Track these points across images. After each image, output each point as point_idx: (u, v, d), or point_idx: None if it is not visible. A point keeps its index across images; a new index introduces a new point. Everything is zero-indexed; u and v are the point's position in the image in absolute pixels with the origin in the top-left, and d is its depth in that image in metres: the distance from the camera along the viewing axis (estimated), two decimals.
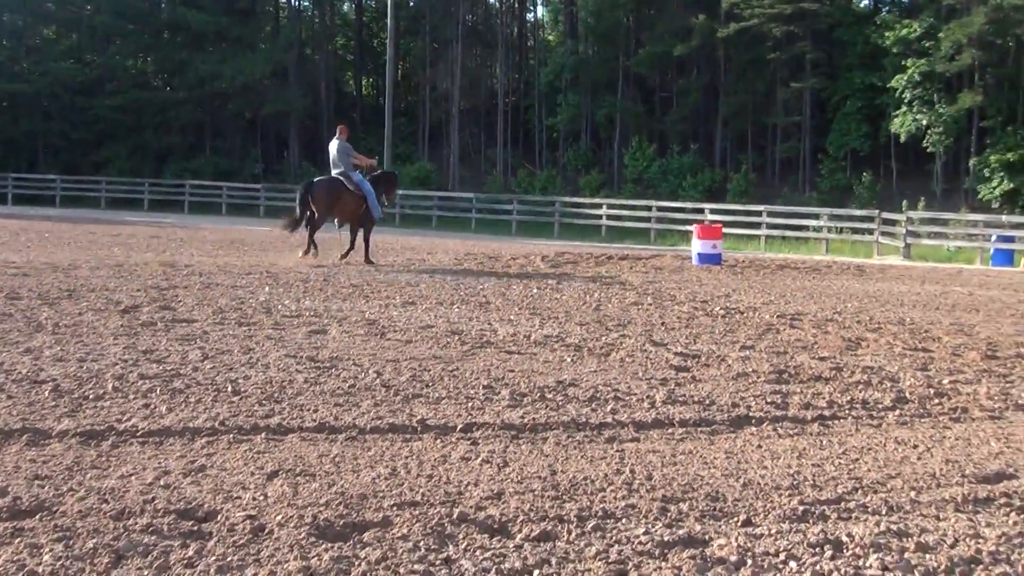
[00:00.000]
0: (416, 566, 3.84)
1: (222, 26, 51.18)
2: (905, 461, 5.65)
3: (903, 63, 37.37)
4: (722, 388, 7.49)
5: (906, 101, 37.65)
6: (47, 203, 43.19)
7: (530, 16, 62.76)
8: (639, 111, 47.90)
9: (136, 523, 4.16)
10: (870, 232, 29.33)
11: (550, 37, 59.94)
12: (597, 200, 37.65)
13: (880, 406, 7.06)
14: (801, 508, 4.67)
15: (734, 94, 44.64)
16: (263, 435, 5.67)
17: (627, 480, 5.06)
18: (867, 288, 16.67)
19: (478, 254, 21.89)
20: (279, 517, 4.28)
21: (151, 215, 38.63)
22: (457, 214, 38.95)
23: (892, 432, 6.36)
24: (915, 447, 5.98)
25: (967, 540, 4.31)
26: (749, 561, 3.99)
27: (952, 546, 4.23)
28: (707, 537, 4.25)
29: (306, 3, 61.27)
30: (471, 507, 4.53)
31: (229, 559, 3.85)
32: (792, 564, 3.98)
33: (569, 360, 8.49)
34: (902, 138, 38.13)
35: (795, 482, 5.14)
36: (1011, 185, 34.77)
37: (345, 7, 62.74)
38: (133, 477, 4.83)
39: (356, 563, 3.85)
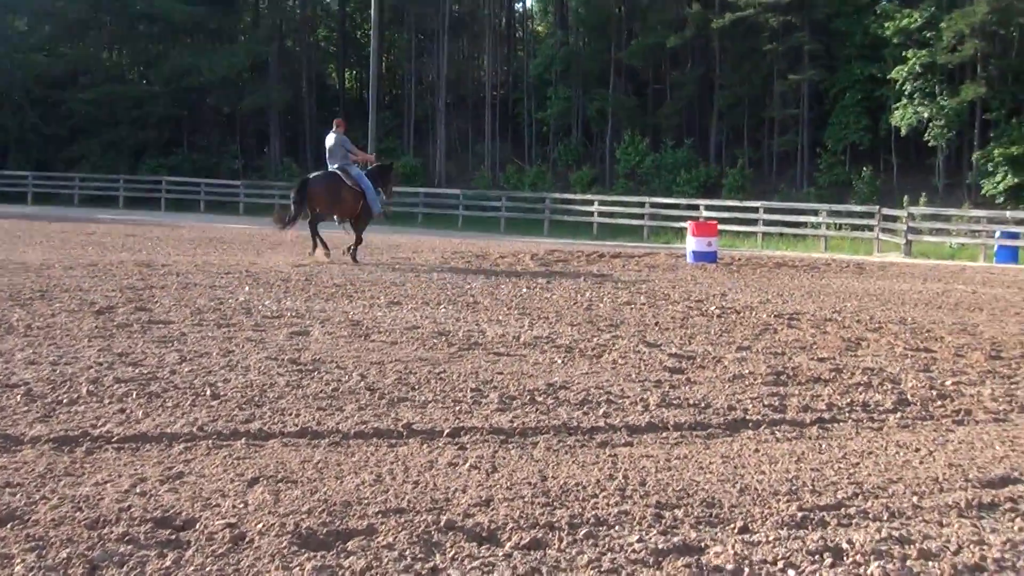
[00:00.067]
0: None
1: (200, 17, 50.98)
2: (907, 465, 5.67)
3: (904, 54, 37.39)
4: (718, 390, 7.50)
5: (907, 93, 37.69)
6: (18, 201, 42.99)
7: (518, 6, 62.65)
8: (631, 104, 47.89)
9: (111, 532, 4.15)
10: (870, 229, 29.41)
11: (539, 28, 59.83)
12: (588, 196, 37.67)
13: (881, 408, 7.08)
14: (800, 514, 4.68)
15: (729, 86, 44.62)
16: (243, 440, 5.66)
17: (620, 486, 5.06)
18: (867, 286, 16.71)
19: (465, 252, 21.90)
20: (260, 525, 4.27)
21: (126, 213, 38.52)
22: (443, 211, 38.93)
23: (893, 435, 6.37)
24: (917, 451, 5.99)
25: (971, 547, 4.32)
26: (746, 569, 3.99)
27: (956, 553, 4.24)
28: (703, 545, 4.25)
29: None
30: (459, 514, 4.53)
31: (208, 569, 3.84)
32: (791, 572, 3.99)
33: (560, 362, 8.49)
34: (903, 131, 38.16)
35: (793, 487, 5.14)
36: (1015, 180, 34.79)
37: None
38: (108, 484, 4.81)
39: (340, 573, 3.84)
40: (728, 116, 45.34)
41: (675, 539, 4.29)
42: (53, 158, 49.82)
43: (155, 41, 52.97)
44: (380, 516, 4.47)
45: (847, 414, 6.87)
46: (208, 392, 6.75)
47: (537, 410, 6.63)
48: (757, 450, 5.90)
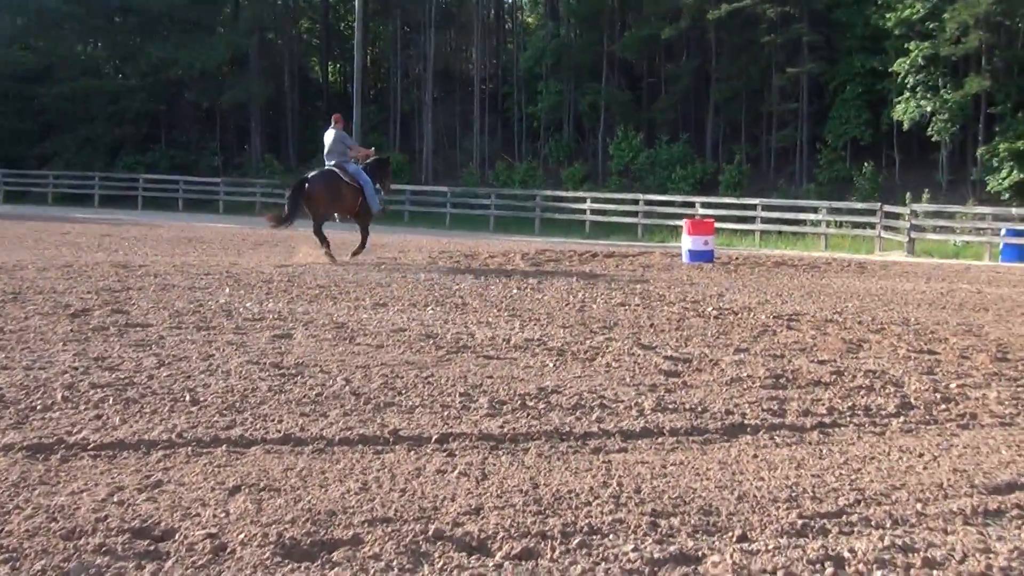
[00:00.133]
0: None
1: (178, 9, 50.84)
2: (910, 471, 5.68)
3: (906, 46, 37.43)
4: (715, 394, 7.51)
5: (909, 86, 37.75)
6: None
7: None
8: (625, 98, 47.88)
9: (88, 543, 4.14)
10: (872, 226, 29.47)
11: (529, 19, 59.81)
12: (581, 194, 37.65)
13: (883, 412, 7.09)
14: (800, 522, 4.69)
15: (726, 80, 44.68)
16: (224, 448, 5.65)
17: (614, 493, 5.06)
18: (869, 286, 16.75)
19: (454, 252, 21.90)
20: (241, 535, 4.27)
21: (102, 212, 38.46)
22: (431, 209, 38.92)
23: (896, 440, 6.39)
24: (921, 456, 6.01)
25: (977, 555, 4.33)
26: None
27: (961, 561, 4.25)
28: (700, 554, 4.26)
29: None
30: (448, 523, 4.53)
31: None
32: None
33: (552, 365, 8.49)
34: (905, 126, 38.24)
35: (793, 494, 5.15)
36: (1021, 176, 34.84)
37: None
38: (84, 493, 4.80)
39: None
40: (725, 110, 45.38)
41: (671, 548, 4.29)
42: (25, 155, 49.63)
43: (132, 34, 52.80)
44: (366, 525, 4.47)
45: (848, 418, 6.88)
46: (187, 398, 6.74)
47: (528, 415, 6.63)
48: (756, 456, 5.90)
